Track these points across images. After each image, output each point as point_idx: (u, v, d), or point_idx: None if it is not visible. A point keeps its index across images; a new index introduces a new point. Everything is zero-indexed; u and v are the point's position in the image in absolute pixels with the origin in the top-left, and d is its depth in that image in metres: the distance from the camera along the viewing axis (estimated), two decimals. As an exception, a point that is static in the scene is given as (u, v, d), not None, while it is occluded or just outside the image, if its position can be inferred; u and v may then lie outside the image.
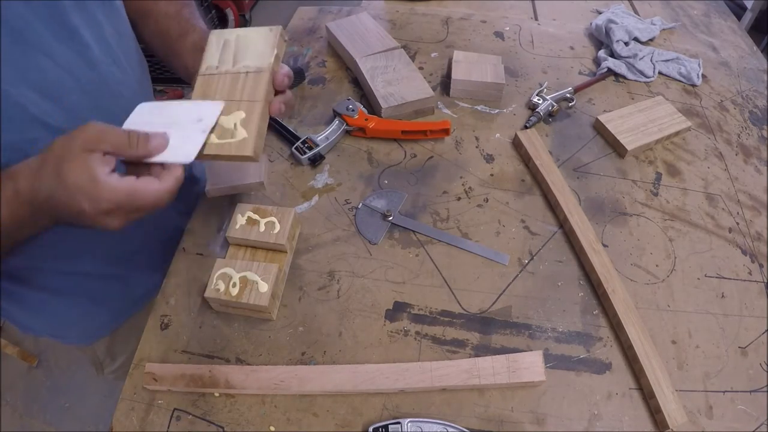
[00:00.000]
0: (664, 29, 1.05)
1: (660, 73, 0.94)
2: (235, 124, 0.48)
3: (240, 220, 0.63)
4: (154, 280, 0.66)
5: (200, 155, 0.47)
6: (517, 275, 0.66)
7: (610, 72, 0.93)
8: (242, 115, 0.49)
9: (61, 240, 0.58)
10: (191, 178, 0.79)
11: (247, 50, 0.52)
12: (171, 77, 2.15)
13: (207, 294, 0.58)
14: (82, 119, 0.53)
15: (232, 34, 0.53)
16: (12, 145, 0.47)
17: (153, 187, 0.43)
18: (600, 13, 1.08)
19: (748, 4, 2.09)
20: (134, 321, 0.76)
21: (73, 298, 0.68)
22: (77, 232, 0.58)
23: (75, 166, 0.40)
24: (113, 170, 0.42)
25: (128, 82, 0.61)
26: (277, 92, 0.53)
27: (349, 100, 0.81)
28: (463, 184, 0.75)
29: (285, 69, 0.52)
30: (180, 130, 0.44)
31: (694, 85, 0.93)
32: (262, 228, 0.63)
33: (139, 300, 0.75)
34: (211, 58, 0.52)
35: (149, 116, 0.46)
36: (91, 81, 0.54)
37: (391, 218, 0.70)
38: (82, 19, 0.52)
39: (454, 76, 0.86)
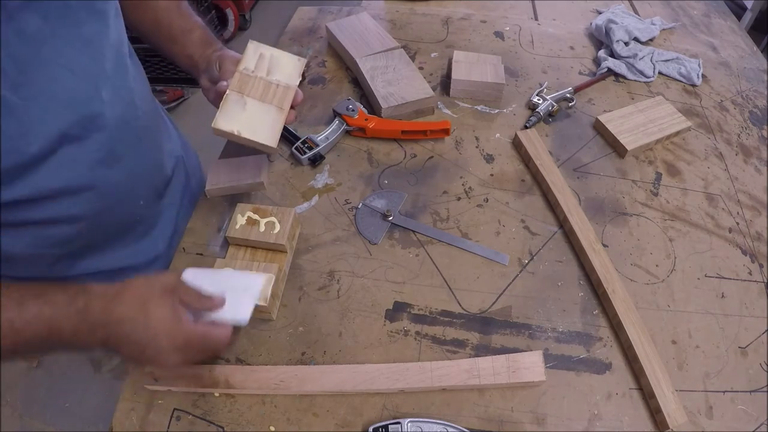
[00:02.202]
0: (664, 29, 1.05)
1: (660, 73, 0.94)
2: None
3: (240, 220, 0.63)
4: None
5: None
6: (517, 275, 0.66)
7: (610, 72, 0.93)
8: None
9: (68, 242, 0.58)
10: (187, 175, 0.79)
11: (278, 68, 0.65)
12: (171, 77, 2.15)
13: (207, 294, 0.58)
14: (99, 126, 0.53)
15: (267, 50, 0.65)
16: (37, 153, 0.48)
17: (221, 334, 0.49)
18: (600, 13, 1.08)
19: (748, 4, 2.09)
20: None
21: None
22: (84, 234, 0.58)
23: (161, 303, 0.47)
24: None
25: (140, 91, 0.61)
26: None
27: (349, 100, 0.81)
28: (463, 184, 0.75)
29: (300, 92, 0.65)
30: (232, 295, 0.52)
31: (694, 85, 0.93)
32: (262, 228, 0.63)
33: None
34: (248, 62, 0.64)
35: (201, 281, 0.52)
36: (108, 90, 0.54)
37: (391, 218, 0.70)
38: (92, 27, 0.52)
39: (454, 76, 0.86)
